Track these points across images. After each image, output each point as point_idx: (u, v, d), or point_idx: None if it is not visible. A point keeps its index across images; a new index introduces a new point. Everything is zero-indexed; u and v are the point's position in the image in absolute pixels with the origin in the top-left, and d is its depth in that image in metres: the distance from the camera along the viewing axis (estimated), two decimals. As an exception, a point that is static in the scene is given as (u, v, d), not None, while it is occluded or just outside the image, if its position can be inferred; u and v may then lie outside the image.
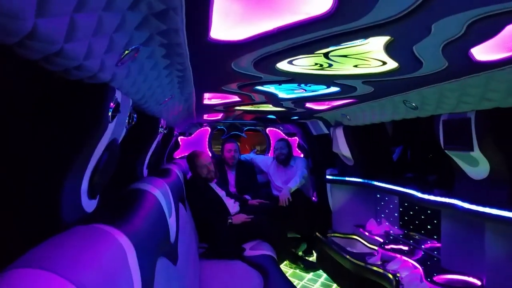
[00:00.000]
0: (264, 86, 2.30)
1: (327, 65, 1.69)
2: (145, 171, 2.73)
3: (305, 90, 2.48)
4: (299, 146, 5.86)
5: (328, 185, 4.56)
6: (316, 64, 1.69)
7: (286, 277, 3.10)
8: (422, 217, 3.37)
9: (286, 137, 5.83)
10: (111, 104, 1.31)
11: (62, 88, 1.20)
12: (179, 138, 5.64)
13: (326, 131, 4.54)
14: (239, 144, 5.45)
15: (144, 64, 1.39)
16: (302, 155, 5.72)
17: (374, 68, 1.75)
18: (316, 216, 4.87)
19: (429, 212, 3.26)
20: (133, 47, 1.13)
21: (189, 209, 3.74)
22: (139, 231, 1.40)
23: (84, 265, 0.79)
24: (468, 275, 2.58)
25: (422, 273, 2.66)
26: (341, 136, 3.92)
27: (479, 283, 2.50)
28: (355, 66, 1.72)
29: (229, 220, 4.01)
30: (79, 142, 1.24)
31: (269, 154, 6.01)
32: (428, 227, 3.29)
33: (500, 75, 1.67)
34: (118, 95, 1.36)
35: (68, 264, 0.74)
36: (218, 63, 1.62)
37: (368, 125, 3.55)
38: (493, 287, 2.37)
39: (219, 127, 5.94)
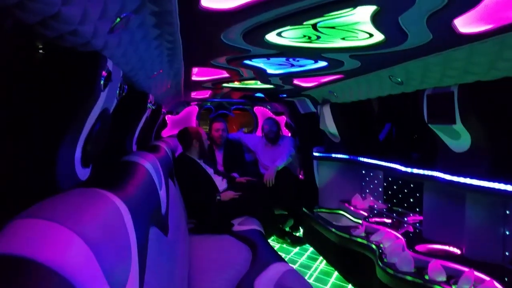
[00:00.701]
0: (253, 60, 2.33)
1: (315, 37, 1.72)
2: (134, 147, 2.75)
3: (293, 65, 2.51)
4: (287, 125, 5.91)
5: (315, 162, 4.63)
6: (304, 36, 1.72)
7: (274, 250, 3.18)
8: (405, 190, 3.47)
9: (274, 116, 5.87)
10: (103, 72, 1.33)
11: (56, 58, 1.21)
12: (166, 117, 5.64)
13: (313, 109, 4.59)
14: (227, 123, 5.48)
15: (135, 33, 1.41)
16: (289, 134, 5.78)
17: (362, 41, 1.78)
18: (303, 193, 4.97)
19: (412, 186, 3.36)
20: (125, 14, 1.15)
21: (178, 186, 3.78)
22: (133, 198, 1.43)
23: (86, 219, 0.82)
24: (449, 245, 2.69)
25: (404, 243, 2.75)
26: (328, 114, 3.98)
27: (458, 251, 2.61)
28: (343, 38, 1.75)
29: (218, 197, 4.06)
30: (73, 110, 1.27)
31: (257, 133, 6.05)
32: (411, 200, 3.40)
33: (482, 48, 1.72)
34: (109, 64, 1.37)
35: (70, 216, 0.78)
36: (207, 34, 1.64)
37: (355, 102, 3.61)
38: (472, 254, 2.47)
39: (206, 106, 5.94)
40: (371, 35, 1.69)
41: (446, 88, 2.27)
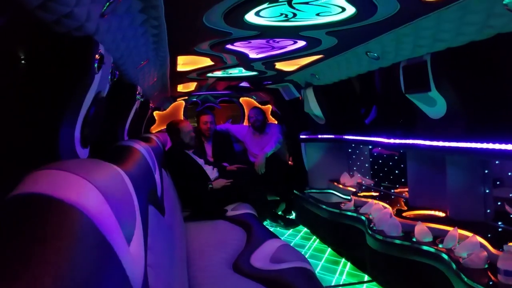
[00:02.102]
0: (235, 44, 2.43)
1: (292, 14, 1.83)
2: (126, 137, 2.84)
3: (274, 48, 2.62)
4: (273, 113, 6.02)
5: (302, 146, 4.76)
6: (281, 14, 1.82)
7: (268, 228, 3.30)
8: (390, 163, 3.61)
9: (260, 105, 5.99)
10: (96, 56, 1.42)
11: (53, 43, 1.30)
12: (154, 113, 5.71)
13: (297, 95, 4.71)
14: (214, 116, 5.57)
15: (123, 18, 1.51)
16: (276, 122, 5.89)
17: (335, 16, 1.90)
18: (293, 178, 5.11)
19: (396, 158, 3.51)
20: (114, -3, 1.25)
21: (171, 178, 3.87)
22: (132, 172, 1.53)
23: (96, 174, 0.92)
24: (434, 209, 2.84)
25: (391, 211, 2.89)
26: (311, 96, 4.10)
27: (443, 214, 2.76)
28: (318, 14, 1.86)
29: (210, 186, 4.16)
30: (71, 90, 1.36)
31: (244, 124, 6.16)
32: (397, 172, 3.54)
33: (448, 14, 1.85)
34: (101, 48, 1.47)
35: (82, 168, 0.88)
36: (190, 16, 1.74)
37: (337, 83, 3.74)
38: (455, 215, 2.62)
39: (193, 100, 6.02)
40: (343, 9, 1.81)
41: (419, 57, 2.40)
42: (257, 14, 1.80)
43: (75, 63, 1.35)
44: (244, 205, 4.05)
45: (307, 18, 1.91)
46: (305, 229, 4.48)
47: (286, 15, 1.84)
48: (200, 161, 4.49)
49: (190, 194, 3.96)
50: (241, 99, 6.25)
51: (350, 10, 1.81)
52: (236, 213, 3.83)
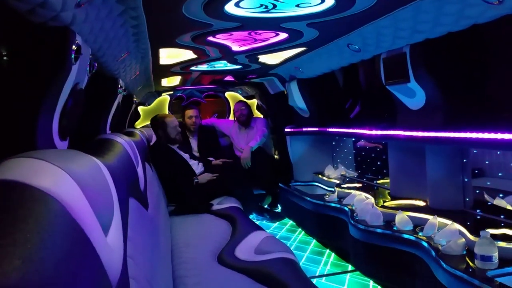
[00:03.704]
0: (216, 37, 2.43)
1: (271, 5, 1.84)
2: (108, 132, 2.82)
3: (256, 40, 2.62)
4: (258, 107, 6.03)
5: (287, 139, 4.78)
6: (261, 5, 1.83)
7: (254, 222, 3.31)
8: (373, 155, 3.66)
9: (245, 100, 5.99)
10: (73, 46, 1.41)
11: (28, 33, 1.29)
12: (139, 108, 5.68)
13: (282, 88, 4.73)
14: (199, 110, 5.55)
15: (100, 9, 1.50)
16: (261, 116, 5.91)
17: (315, 7, 1.91)
18: (278, 171, 5.14)
19: (378, 149, 3.55)
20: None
21: (156, 173, 3.85)
22: (112, 164, 1.52)
23: (72, 164, 0.92)
24: (414, 199, 2.89)
25: (372, 202, 2.94)
26: (295, 90, 4.12)
27: (424, 204, 2.81)
28: (298, 6, 1.87)
29: (195, 180, 4.16)
30: (47, 81, 1.35)
31: (229, 118, 6.16)
32: (379, 163, 3.59)
33: (425, 5, 1.87)
34: (78, 39, 1.46)
35: (57, 158, 0.88)
36: (169, 7, 1.73)
37: (320, 76, 3.77)
38: (435, 204, 2.67)
39: (178, 94, 5.99)
40: (322, 0, 1.82)
41: (399, 49, 2.43)
42: (237, 5, 1.80)
43: (51, 54, 1.34)
44: (230, 199, 4.06)
45: (287, 9, 1.92)
46: (291, 222, 4.52)
47: (266, 6, 1.85)
48: (186, 156, 4.48)
49: (175, 189, 3.96)
50: (226, 94, 6.24)
51: (329, 1, 1.83)
52: (221, 207, 3.83)
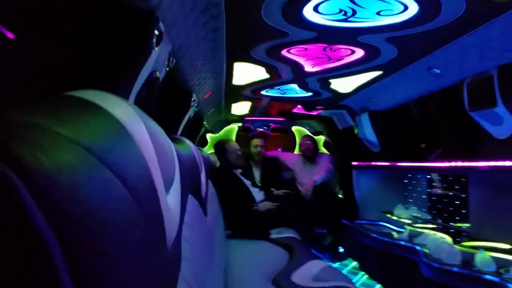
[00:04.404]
0: (291, 52, 2.43)
1: (351, 11, 1.80)
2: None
3: (331, 59, 2.59)
4: (325, 144, 5.94)
5: (354, 173, 4.60)
6: (340, 10, 1.80)
7: (312, 252, 3.15)
8: (450, 193, 3.38)
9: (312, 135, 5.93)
10: (156, 31, 1.46)
11: (115, 15, 1.36)
12: (207, 135, 5.81)
13: (352, 123, 4.61)
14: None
15: (184, 1, 1.55)
16: (328, 153, 5.79)
17: (396, 16, 1.85)
18: (342, 210, 4.92)
19: (456, 187, 3.27)
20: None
21: (217, 195, 3.85)
22: (180, 150, 1.51)
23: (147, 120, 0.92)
24: (498, 241, 2.58)
25: (450, 240, 2.67)
26: (366, 122, 4.00)
27: (509, 246, 2.50)
28: (378, 13, 1.82)
29: (255, 207, 4.10)
30: (126, 63, 1.40)
31: (294, 152, 6.10)
32: (457, 202, 3.29)
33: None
34: (161, 26, 1.51)
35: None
36: (249, 8, 1.75)
37: (394, 109, 3.64)
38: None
39: (245, 124, 6.06)
40: (405, 8, 1.76)
41: (484, 72, 2.27)
42: (315, 9, 1.79)
43: (135, 34, 1.39)
44: (289, 230, 3.93)
45: (367, 17, 1.87)
46: (353, 264, 4.25)
47: (345, 12, 1.82)
48: (247, 182, 4.46)
49: (234, 213, 3.91)
50: (293, 128, 6.22)
51: (413, 9, 1.76)
52: (279, 236, 3.72)
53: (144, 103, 1.63)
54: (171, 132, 2.63)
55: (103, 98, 0.76)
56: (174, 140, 1.97)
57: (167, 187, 1.00)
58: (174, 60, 1.85)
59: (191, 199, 1.78)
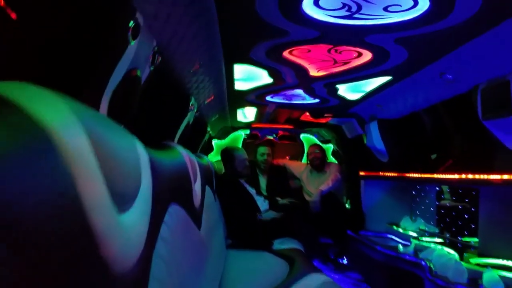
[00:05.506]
0: (293, 54, 2.29)
1: (356, 6, 1.65)
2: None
3: (336, 62, 2.43)
4: (334, 153, 5.77)
5: (362, 185, 4.44)
6: (343, 5, 1.65)
7: (314, 264, 2.99)
8: (460, 207, 3.18)
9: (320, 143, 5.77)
10: (131, 22, 1.31)
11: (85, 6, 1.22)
12: (213, 141, 5.68)
13: (361, 132, 4.45)
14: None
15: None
16: (336, 162, 5.62)
17: (405, 13, 1.69)
18: (349, 221, 4.75)
19: (466, 200, 3.08)
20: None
21: (220, 204, 3.71)
22: (157, 157, 1.37)
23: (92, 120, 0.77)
24: (509, 259, 2.40)
25: (456, 257, 2.50)
26: (375, 131, 3.83)
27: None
28: (386, 9, 1.66)
29: (259, 217, 3.96)
30: (101, 54, 1.25)
31: (302, 161, 5.94)
32: (466, 216, 3.09)
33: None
34: (139, 17, 1.36)
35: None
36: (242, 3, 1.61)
37: (404, 118, 3.46)
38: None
39: (253, 132, 5.91)
40: (416, 3, 1.60)
41: (500, 77, 2.09)
42: (315, 3, 1.64)
43: (107, 25, 1.24)
44: (292, 241, 3.80)
45: (374, 14, 1.72)
46: (357, 275, 4.06)
47: (350, 7, 1.66)
48: (252, 191, 4.33)
49: (237, 222, 3.77)
50: (302, 136, 6.06)
51: (424, 4, 1.60)
52: (282, 247, 3.57)
53: (122, 103, 1.50)
54: (166, 139, 2.48)
55: (28, 94, 0.62)
56: (162, 147, 1.83)
57: (122, 203, 0.85)
58: (160, 58, 1.71)
59: (176, 211, 1.63)
